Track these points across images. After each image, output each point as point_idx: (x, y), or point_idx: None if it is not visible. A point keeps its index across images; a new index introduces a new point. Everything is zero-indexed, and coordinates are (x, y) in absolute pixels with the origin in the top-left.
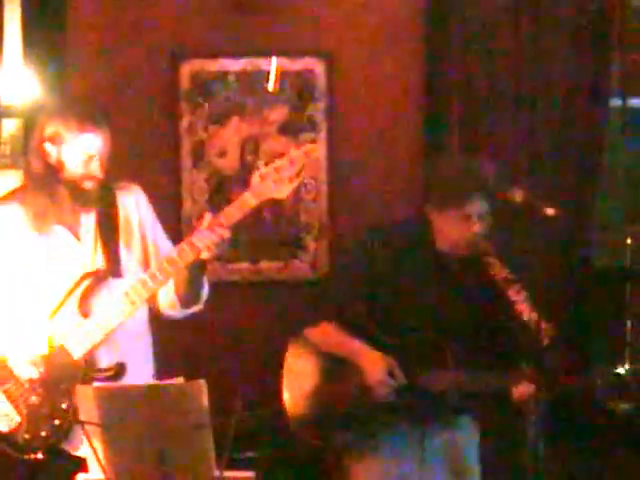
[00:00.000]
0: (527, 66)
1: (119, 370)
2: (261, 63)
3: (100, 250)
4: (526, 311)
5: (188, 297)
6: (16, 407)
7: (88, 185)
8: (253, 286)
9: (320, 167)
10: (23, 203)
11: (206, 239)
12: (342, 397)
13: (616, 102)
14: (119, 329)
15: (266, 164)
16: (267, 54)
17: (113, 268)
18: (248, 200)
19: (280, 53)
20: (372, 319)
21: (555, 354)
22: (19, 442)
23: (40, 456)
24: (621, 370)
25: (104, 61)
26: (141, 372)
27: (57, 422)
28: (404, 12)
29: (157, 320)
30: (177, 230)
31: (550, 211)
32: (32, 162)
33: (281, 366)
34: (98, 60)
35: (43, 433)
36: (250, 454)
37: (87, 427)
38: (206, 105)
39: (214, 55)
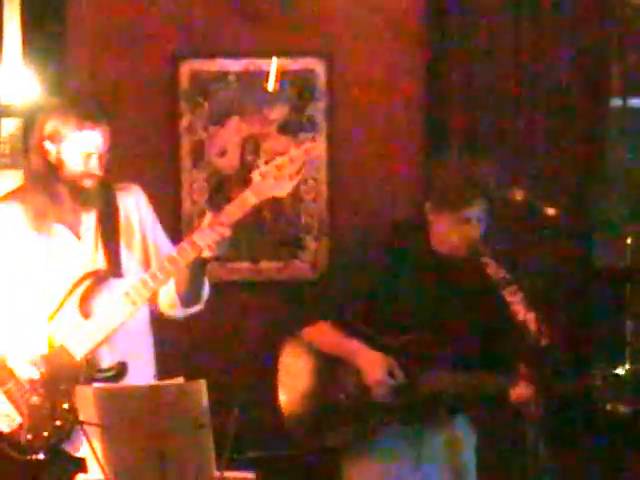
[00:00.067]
0: (527, 66)
1: (120, 370)
2: (261, 63)
3: (101, 249)
4: (522, 312)
5: (189, 297)
6: (17, 408)
7: (88, 183)
8: (253, 286)
9: (320, 167)
10: (23, 202)
11: (207, 238)
12: (338, 397)
13: (616, 102)
14: (120, 329)
15: (266, 162)
16: (267, 54)
17: (114, 268)
18: (249, 198)
19: (280, 53)
20: (370, 319)
21: (553, 355)
22: (21, 443)
23: (42, 457)
24: (621, 370)
25: (104, 61)
26: (142, 372)
27: (59, 423)
28: (404, 12)
29: (157, 320)
30: (177, 230)
31: (550, 211)
32: (32, 160)
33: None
34: (98, 60)
35: (45, 433)
36: (250, 454)
37: (87, 427)
38: (206, 105)
39: (214, 55)
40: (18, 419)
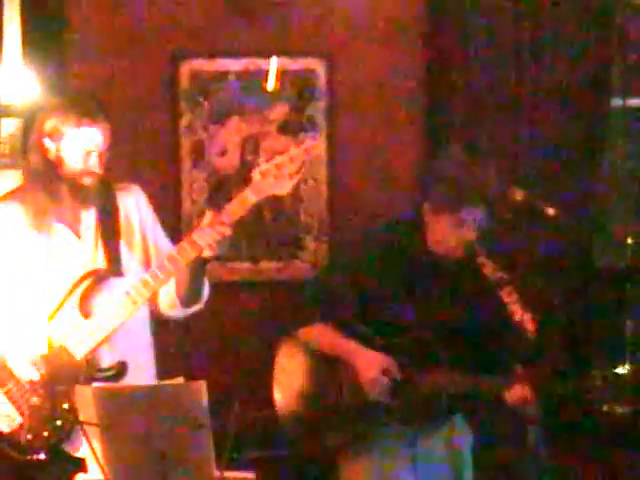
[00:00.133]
0: (527, 66)
1: (121, 369)
2: (261, 63)
3: (101, 248)
4: (519, 312)
5: (189, 296)
6: (18, 408)
7: (87, 181)
8: (253, 286)
9: (320, 167)
10: (22, 202)
11: (207, 236)
12: (334, 397)
13: (616, 102)
14: (120, 329)
15: (266, 161)
16: (267, 54)
17: (114, 267)
18: (249, 197)
19: (280, 53)
20: (366, 319)
21: (550, 356)
22: (21, 443)
23: (42, 457)
24: (621, 370)
25: (104, 61)
26: (142, 372)
27: (59, 423)
28: (404, 12)
29: (157, 320)
30: (177, 230)
31: (550, 211)
32: (31, 159)
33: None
34: (98, 60)
35: (45, 434)
36: (250, 454)
37: (87, 427)
38: (206, 105)
39: (214, 55)
40: (18, 419)
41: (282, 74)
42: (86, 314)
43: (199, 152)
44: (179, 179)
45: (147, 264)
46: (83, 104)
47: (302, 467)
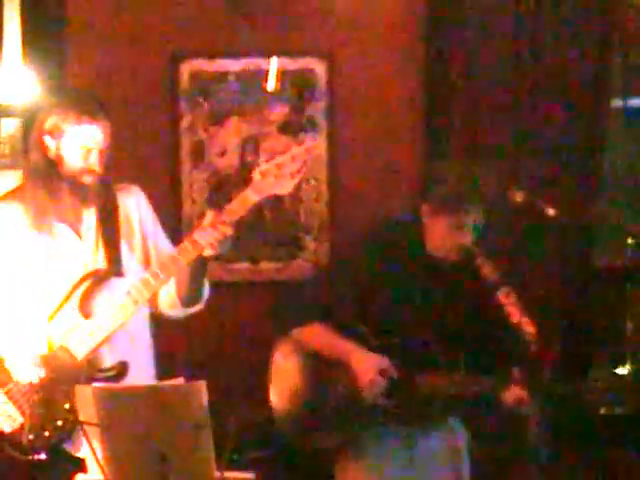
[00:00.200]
0: (527, 66)
1: (121, 369)
2: (261, 63)
3: (101, 248)
4: (516, 314)
5: (189, 296)
6: (19, 408)
7: (87, 180)
8: (253, 286)
9: (320, 167)
10: (22, 202)
11: (209, 236)
12: (330, 397)
13: (616, 102)
14: (120, 329)
15: (267, 161)
16: (267, 54)
17: (115, 267)
18: (250, 196)
19: (280, 53)
20: (364, 320)
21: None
22: (22, 443)
23: (43, 457)
24: (621, 370)
25: (104, 61)
26: (141, 372)
27: (60, 423)
28: (404, 12)
29: (157, 320)
30: (177, 230)
31: (551, 211)
32: (32, 157)
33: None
34: (97, 60)
35: (46, 434)
36: (250, 454)
37: (87, 428)
38: (206, 105)
39: (214, 55)
40: (19, 419)
41: (282, 74)
42: (87, 314)
43: (199, 152)
44: (179, 179)
45: (147, 264)
46: (83, 102)
47: (302, 467)
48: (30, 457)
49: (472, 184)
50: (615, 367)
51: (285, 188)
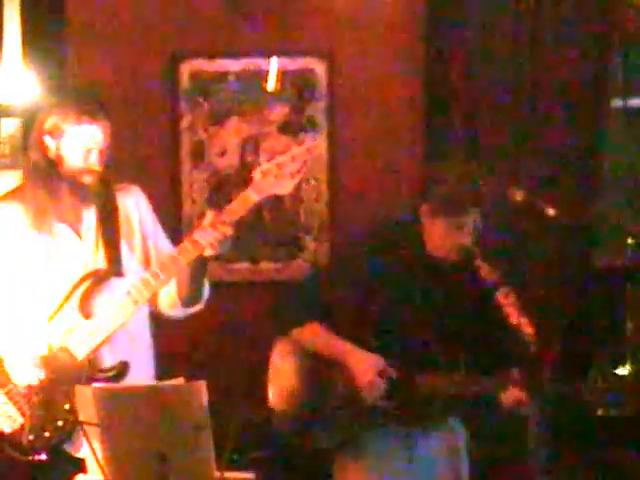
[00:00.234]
0: (527, 66)
1: (122, 369)
2: (261, 63)
3: (101, 248)
4: (514, 315)
5: (189, 296)
6: (19, 408)
7: (87, 180)
8: (253, 286)
9: (320, 167)
10: (22, 202)
11: (209, 236)
12: (329, 398)
13: (616, 102)
14: (120, 329)
15: (268, 161)
16: (267, 54)
17: (115, 267)
18: (250, 196)
19: (280, 53)
20: (362, 321)
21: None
22: (22, 443)
23: (44, 457)
24: (621, 371)
25: (104, 61)
26: (141, 372)
27: (60, 423)
28: (404, 12)
29: (157, 320)
30: (177, 230)
31: (551, 211)
32: (32, 156)
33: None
34: (97, 60)
35: (46, 434)
36: (250, 454)
37: (87, 428)
38: (206, 105)
39: (214, 55)
40: (20, 420)
41: (282, 74)
42: (87, 315)
43: (199, 152)
44: (179, 179)
45: (147, 264)
46: (84, 102)
47: (301, 467)
48: (30, 457)
49: (472, 185)
50: (615, 367)
51: (285, 188)
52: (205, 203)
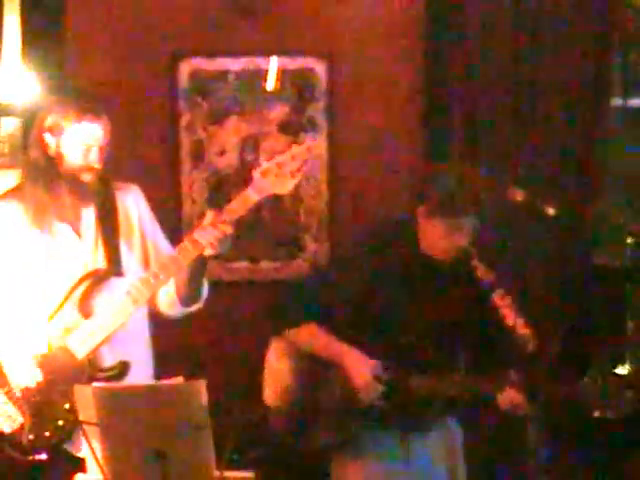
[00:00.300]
0: (527, 66)
1: (122, 369)
2: (261, 63)
3: (101, 247)
4: (510, 316)
5: (189, 296)
6: (19, 408)
7: (87, 178)
8: (253, 286)
9: (320, 167)
10: (22, 200)
11: (209, 235)
12: (325, 398)
13: (616, 102)
14: (120, 328)
15: (267, 160)
16: (267, 54)
17: (114, 266)
18: (250, 196)
19: (280, 53)
20: (358, 321)
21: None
22: (22, 443)
23: (44, 457)
24: (621, 370)
25: (104, 61)
26: (140, 372)
27: (60, 423)
28: (404, 12)
29: (157, 320)
30: (177, 229)
31: (551, 211)
32: (32, 154)
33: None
34: (98, 60)
35: (46, 434)
36: (250, 454)
37: (87, 427)
38: (205, 104)
39: (213, 54)
40: (20, 419)
41: (282, 74)
42: (86, 314)
43: (199, 152)
44: (179, 179)
45: (146, 263)
46: (83, 100)
47: (301, 467)
48: (30, 457)
49: (469, 187)
50: (615, 367)
51: (285, 187)
52: (205, 203)
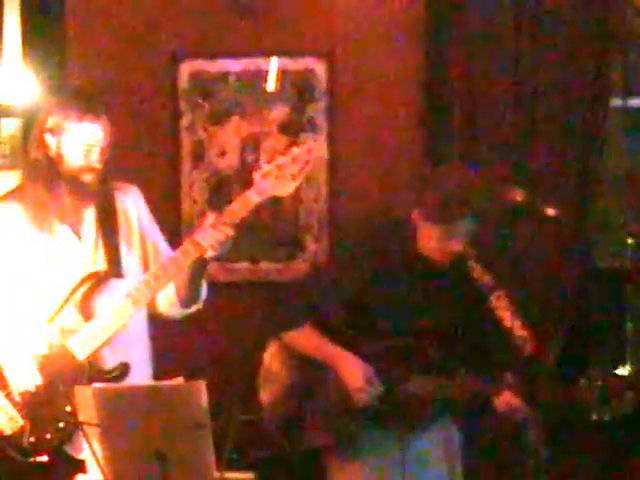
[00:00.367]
0: (527, 66)
1: (123, 370)
2: (261, 63)
3: (101, 249)
4: (507, 318)
5: (188, 297)
6: (20, 410)
7: (87, 178)
8: (253, 286)
9: (320, 167)
10: (22, 201)
11: (210, 237)
12: (320, 399)
13: (616, 102)
14: (121, 330)
15: (268, 162)
16: (267, 54)
17: (114, 268)
18: (251, 198)
19: (280, 53)
20: (354, 323)
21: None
22: (23, 445)
23: (45, 459)
24: (621, 371)
25: (104, 61)
26: (140, 373)
27: (61, 424)
28: (404, 12)
29: (157, 320)
30: (177, 230)
31: (551, 211)
32: (32, 154)
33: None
34: (98, 60)
35: (47, 436)
36: (250, 454)
37: (87, 428)
38: (206, 105)
39: (214, 55)
40: (20, 421)
41: (282, 74)
42: (87, 316)
43: (199, 152)
44: (179, 180)
45: (145, 264)
46: (84, 100)
47: (301, 467)
48: (31, 459)
49: (465, 193)
50: (615, 367)
51: (286, 190)
52: (205, 203)
